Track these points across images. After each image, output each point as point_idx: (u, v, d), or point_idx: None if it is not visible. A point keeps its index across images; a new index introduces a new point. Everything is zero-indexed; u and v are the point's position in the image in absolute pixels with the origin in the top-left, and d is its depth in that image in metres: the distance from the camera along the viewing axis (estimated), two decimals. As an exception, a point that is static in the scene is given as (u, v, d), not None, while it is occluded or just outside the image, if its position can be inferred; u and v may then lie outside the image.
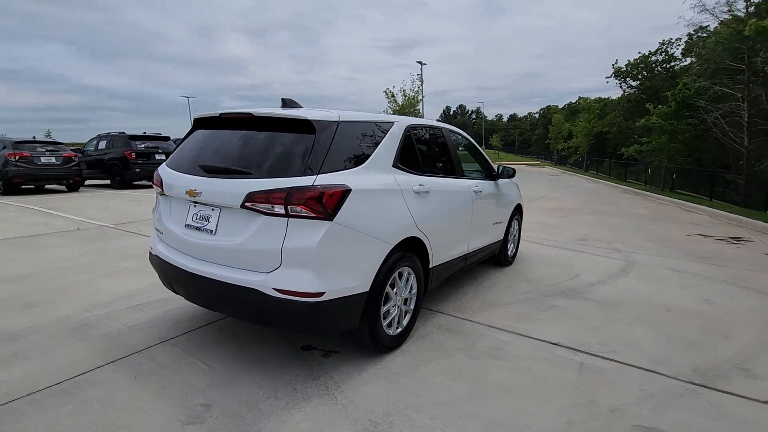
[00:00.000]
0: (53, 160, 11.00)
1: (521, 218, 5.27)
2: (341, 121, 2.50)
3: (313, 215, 2.19)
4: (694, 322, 3.48)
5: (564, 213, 9.67)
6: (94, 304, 3.51)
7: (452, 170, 3.62)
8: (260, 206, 2.20)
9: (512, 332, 3.20)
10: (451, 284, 4.23)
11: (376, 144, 2.71)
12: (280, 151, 2.38)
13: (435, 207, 3.11)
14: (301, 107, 2.83)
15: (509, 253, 4.95)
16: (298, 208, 2.16)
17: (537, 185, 16.57)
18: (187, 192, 2.48)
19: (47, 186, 11.79)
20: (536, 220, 8.21)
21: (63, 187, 12.00)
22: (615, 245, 6.25)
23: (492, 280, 4.44)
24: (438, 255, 3.21)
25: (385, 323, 2.68)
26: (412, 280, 2.93)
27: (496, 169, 4.43)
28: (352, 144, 2.55)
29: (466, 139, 4.29)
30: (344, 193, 2.29)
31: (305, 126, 2.37)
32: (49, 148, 11.12)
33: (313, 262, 2.20)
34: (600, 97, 43.67)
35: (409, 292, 2.93)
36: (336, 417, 2.13)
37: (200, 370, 2.51)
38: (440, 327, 3.25)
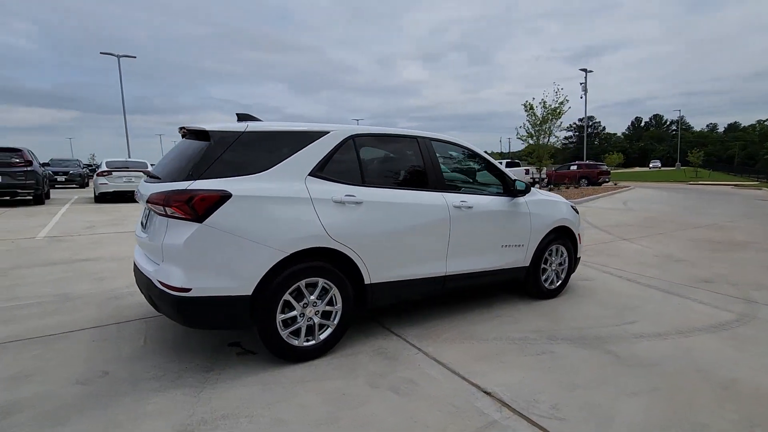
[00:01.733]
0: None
1: (574, 245, 4.37)
2: (245, 132, 2.66)
3: (183, 217, 2.40)
4: (735, 406, 2.37)
5: (716, 247, 7.42)
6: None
7: (423, 182, 3.33)
8: (153, 206, 2.52)
9: (450, 370, 2.75)
10: (444, 307, 3.83)
11: (291, 153, 2.76)
12: (185, 158, 2.68)
13: (372, 220, 2.94)
14: (258, 120, 3.07)
15: (546, 284, 4.17)
16: (172, 210, 2.40)
17: (717, 210, 13.00)
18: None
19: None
20: (662, 252, 6.56)
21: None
22: (752, 295, 4.56)
23: (502, 310, 3.83)
24: (381, 272, 3.01)
25: (286, 331, 2.68)
26: (334, 293, 2.83)
27: (515, 185, 3.83)
28: (256, 153, 2.67)
29: (468, 150, 3.85)
30: (221, 198, 2.44)
31: (204, 136, 2.61)
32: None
33: (181, 260, 2.41)
34: None
35: (331, 305, 2.85)
36: (180, 408, 2.26)
37: (136, 345, 2.96)
38: (377, 349, 3.02)
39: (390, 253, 3.05)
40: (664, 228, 9.03)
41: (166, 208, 2.42)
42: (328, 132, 2.95)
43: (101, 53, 24.88)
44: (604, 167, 25.28)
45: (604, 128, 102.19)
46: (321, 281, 2.77)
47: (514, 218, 3.81)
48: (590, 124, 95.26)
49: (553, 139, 17.38)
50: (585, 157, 33.56)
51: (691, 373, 2.78)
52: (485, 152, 3.96)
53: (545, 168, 18.61)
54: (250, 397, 2.37)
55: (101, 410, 2.23)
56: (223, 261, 2.47)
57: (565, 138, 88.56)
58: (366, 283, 2.96)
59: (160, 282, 2.46)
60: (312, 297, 2.75)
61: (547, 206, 4.12)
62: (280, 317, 2.64)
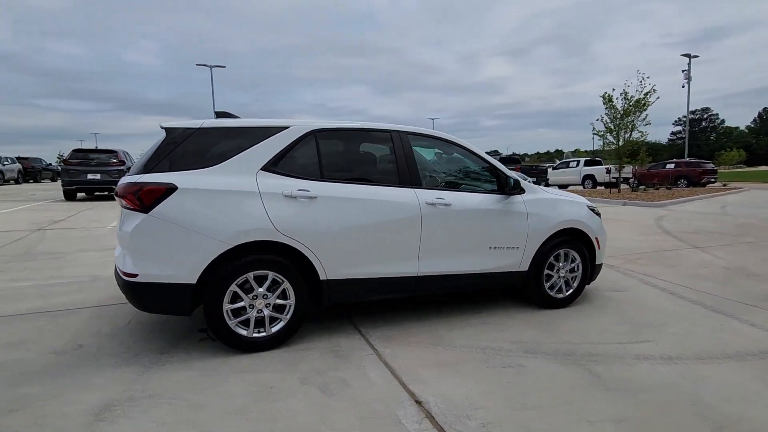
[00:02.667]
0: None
1: (590, 250, 3.88)
2: (200, 128, 2.78)
3: (133, 207, 2.58)
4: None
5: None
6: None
7: (392, 178, 3.20)
8: (118, 198, 2.75)
9: (394, 374, 2.61)
10: (428, 308, 3.64)
11: (245, 148, 2.83)
12: (147, 154, 2.87)
13: (328, 215, 2.90)
14: (236, 117, 3.21)
15: (552, 291, 3.76)
16: (125, 201, 2.60)
17: None
18: None
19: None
20: (734, 265, 5.55)
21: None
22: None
23: (492, 317, 3.54)
24: (339, 269, 2.95)
25: (234, 321, 2.76)
26: (286, 287, 2.84)
27: (509, 182, 3.51)
28: (210, 148, 2.78)
29: (457, 146, 3.59)
30: (167, 190, 2.58)
31: (163, 132, 2.78)
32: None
33: (131, 247, 2.59)
34: None
35: (284, 299, 2.87)
36: (120, 384, 2.42)
37: (119, 325, 3.26)
38: (333, 347, 2.97)
39: (349, 250, 2.97)
40: (755, 237, 7.64)
41: (122, 200, 2.63)
42: (287, 127, 2.97)
43: (197, 65, 27.92)
44: (710, 166, 22.03)
45: (722, 121, 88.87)
46: (271, 274, 2.80)
47: (507, 218, 3.50)
48: (705, 116, 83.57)
49: (636, 135, 15.54)
50: (686, 153, 29.57)
51: (682, 406, 2.32)
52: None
53: (626, 166, 16.66)
54: (185, 382, 2.48)
55: (57, 378, 2.49)
56: (168, 250, 2.61)
57: (672, 133, 78.75)
58: (321, 279, 2.93)
59: (117, 267, 2.68)
60: (261, 289, 2.79)
61: (552, 206, 3.71)
62: (227, 307, 2.72)
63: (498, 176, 3.55)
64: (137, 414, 2.16)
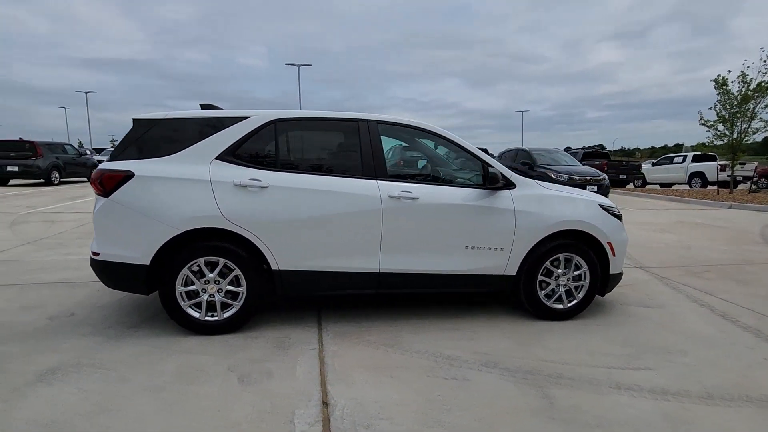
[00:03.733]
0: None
1: (601, 257, 3.34)
2: (161, 119, 2.92)
3: (97, 192, 2.81)
4: None
5: None
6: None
7: (354, 169, 3.05)
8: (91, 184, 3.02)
9: (324, 372, 2.51)
10: (404, 309, 3.43)
11: (202, 138, 2.91)
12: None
13: (279, 205, 2.87)
14: (218, 109, 3.34)
15: (549, 301, 3.32)
16: (93, 186, 2.84)
17: None
18: None
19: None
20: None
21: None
22: None
23: (468, 323, 3.22)
24: (291, 260, 2.92)
25: (187, 303, 2.88)
26: (238, 274, 2.89)
27: (494, 176, 3.14)
28: (170, 138, 2.91)
29: (436, 136, 3.30)
30: (125, 177, 2.77)
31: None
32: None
33: (95, 228, 2.83)
34: None
35: (237, 286, 2.92)
36: (78, 350, 2.67)
37: (116, 298, 3.59)
38: (281, 338, 2.94)
39: (302, 241, 2.92)
40: None
41: (92, 185, 2.89)
42: (247, 117, 3.00)
43: (286, 64, 29.78)
44: None
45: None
46: (222, 261, 2.86)
47: (488, 215, 3.15)
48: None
49: (758, 124, 12.88)
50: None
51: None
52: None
53: (746, 163, 13.94)
54: (129, 356, 2.65)
55: (36, 340, 2.83)
56: (124, 232, 2.80)
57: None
58: (273, 269, 2.92)
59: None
60: (212, 275, 2.87)
61: (548, 203, 3.25)
62: (180, 289, 2.84)
63: (484, 169, 3.20)
64: (71, 380, 2.36)
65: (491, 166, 3.20)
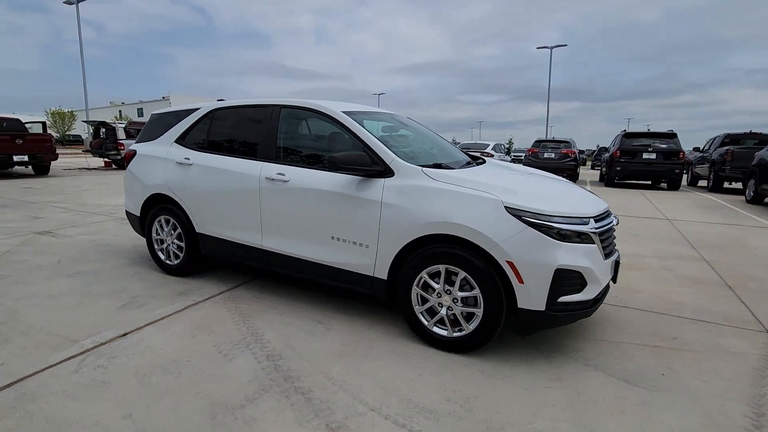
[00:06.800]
0: (553, 155, 13.48)
1: (502, 280, 2.40)
2: (156, 113, 3.98)
3: (126, 164, 4.13)
4: None
5: None
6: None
7: (252, 151, 3.29)
8: None
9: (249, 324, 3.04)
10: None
11: (171, 126, 3.81)
12: None
13: (196, 180, 3.47)
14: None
15: (428, 323, 2.65)
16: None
17: None
18: None
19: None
20: None
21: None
22: None
23: (346, 336, 2.95)
24: (205, 225, 3.50)
25: (161, 247, 3.91)
26: (181, 232, 3.70)
27: (377, 162, 2.73)
28: (159, 126, 3.93)
29: (329, 119, 3.02)
30: (133, 153, 3.98)
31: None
32: (551, 147, 13.72)
33: (124, 189, 4.18)
34: None
35: (180, 242, 3.75)
36: (108, 312, 4.14)
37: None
38: (197, 287, 3.57)
39: (210, 211, 3.43)
40: None
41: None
42: (197, 109, 3.71)
43: (537, 48, 27.97)
44: None
45: None
46: (172, 220, 3.74)
47: (354, 205, 2.78)
48: None
49: None
50: None
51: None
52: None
53: None
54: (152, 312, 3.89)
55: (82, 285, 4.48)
56: (132, 192, 4.02)
57: None
58: (197, 231, 3.59)
59: None
60: (166, 229, 3.80)
61: (421, 198, 2.55)
62: (154, 236, 3.90)
63: (370, 153, 2.83)
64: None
65: (372, 150, 2.80)
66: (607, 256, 2.61)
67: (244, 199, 3.24)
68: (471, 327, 2.52)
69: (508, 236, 2.34)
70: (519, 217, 2.35)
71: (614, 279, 2.78)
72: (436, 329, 2.64)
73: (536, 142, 14.98)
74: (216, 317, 3.04)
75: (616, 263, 2.77)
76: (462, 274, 2.48)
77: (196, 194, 3.50)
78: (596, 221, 2.53)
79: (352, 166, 2.67)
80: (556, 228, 2.35)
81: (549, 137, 16.14)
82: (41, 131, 13.14)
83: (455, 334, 2.58)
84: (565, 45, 27.79)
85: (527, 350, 2.67)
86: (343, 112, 3.04)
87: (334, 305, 3.29)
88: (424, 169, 2.68)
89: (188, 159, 3.60)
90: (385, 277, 2.74)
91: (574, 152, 14.00)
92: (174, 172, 3.66)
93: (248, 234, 3.29)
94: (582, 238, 2.42)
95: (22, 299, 3.29)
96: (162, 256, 3.92)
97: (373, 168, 2.72)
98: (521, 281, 2.34)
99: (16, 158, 11.32)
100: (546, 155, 14.14)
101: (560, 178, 3.48)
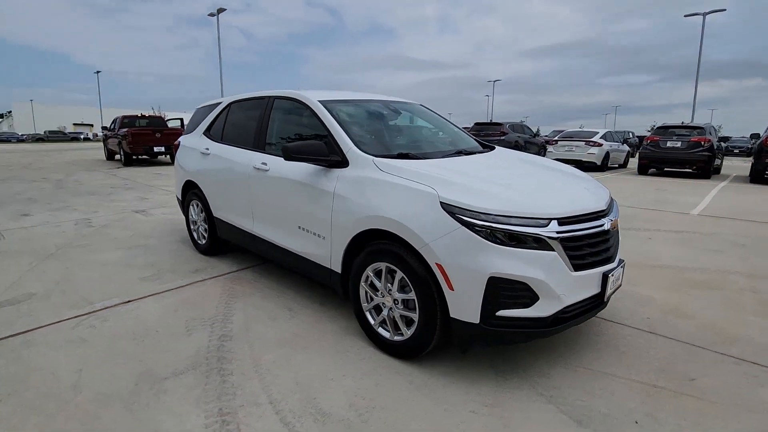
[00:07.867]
0: (678, 144, 11.28)
1: (435, 283, 2.15)
2: (199, 107, 4.40)
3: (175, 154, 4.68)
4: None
5: None
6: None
7: (249, 141, 3.45)
8: None
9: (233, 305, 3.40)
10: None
11: (204, 120, 4.18)
12: None
13: (211, 168, 3.78)
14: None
15: (373, 322, 2.53)
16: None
17: None
18: None
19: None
20: None
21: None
22: None
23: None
24: (219, 209, 3.80)
25: (195, 228, 4.37)
26: (203, 215, 4.10)
27: (338, 152, 2.67)
28: (198, 119, 4.34)
29: (306, 108, 2.98)
30: (179, 144, 4.49)
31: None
32: (679, 134, 11.47)
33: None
34: None
35: (207, 225, 4.14)
36: (127, 283, 4.78)
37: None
38: (240, 278, 3.91)
39: (218, 197, 3.72)
40: None
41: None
42: (222, 101, 4.01)
43: (685, 16, 23.42)
44: None
45: None
46: (200, 204, 4.14)
47: (314, 195, 2.73)
48: None
49: None
50: None
51: None
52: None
53: None
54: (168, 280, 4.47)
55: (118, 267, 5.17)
56: (177, 179, 4.55)
57: None
58: (213, 215, 3.92)
59: None
60: (196, 212, 4.23)
61: (363, 190, 2.39)
62: (190, 218, 4.39)
63: (332, 142, 2.78)
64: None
65: (335, 139, 2.74)
66: (585, 267, 2.15)
67: (240, 187, 3.44)
68: (409, 333, 2.32)
69: (439, 235, 2.07)
70: (452, 214, 2.07)
71: (602, 297, 2.27)
72: (381, 330, 2.49)
73: (659, 128, 12.61)
74: (207, 295, 3.31)
75: (605, 276, 2.25)
76: (400, 274, 2.29)
77: (211, 182, 3.83)
78: (561, 224, 2.09)
79: (305, 155, 2.63)
80: (500, 229, 2.00)
81: (688, 123, 13.20)
82: (179, 126, 15.57)
83: (396, 338, 2.40)
84: (724, 9, 22.76)
85: (480, 367, 2.35)
86: (320, 100, 3.00)
87: (321, 295, 3.30)
88: (375, 159, 2.52)
89: (207, 149, 3.94)
90: (339, 270, 2.66)
91: (709, 140, 11.47)
92: (198, 162, 4.05)
93: (244, 220, 3.49)
94: (538, 243, 2.02)
95: (82, 264, 4.00)
96: (195, 236, 4.38)
97: (330, 158, 2.65)
98: (451, 287, 2.06)
99: (155, 149, 13.66)
100: (670, 144, 11.90)
101: (575, 170, 2.95)
